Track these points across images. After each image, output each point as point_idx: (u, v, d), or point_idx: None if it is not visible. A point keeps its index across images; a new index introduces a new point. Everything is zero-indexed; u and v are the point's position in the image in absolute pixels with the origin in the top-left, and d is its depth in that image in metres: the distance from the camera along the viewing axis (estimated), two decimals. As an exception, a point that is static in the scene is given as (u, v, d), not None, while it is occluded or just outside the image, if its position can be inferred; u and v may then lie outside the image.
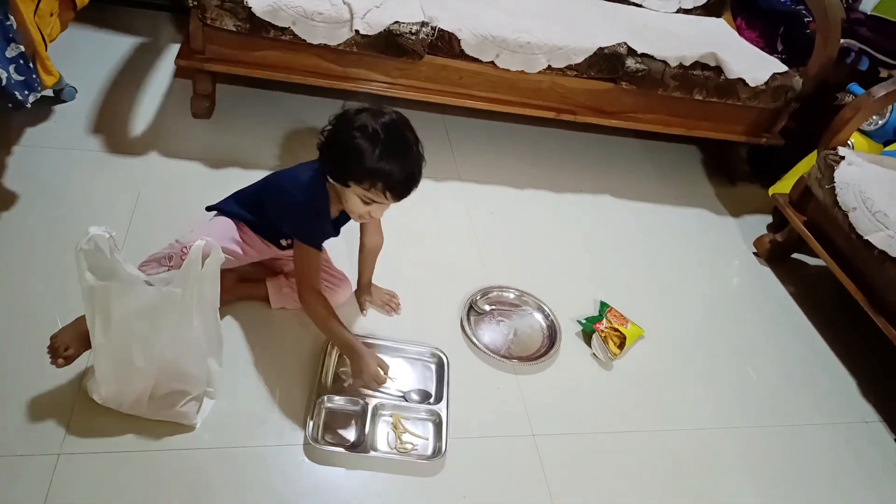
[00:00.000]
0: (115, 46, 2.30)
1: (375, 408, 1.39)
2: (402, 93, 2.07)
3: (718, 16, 2.60)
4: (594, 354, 1.68)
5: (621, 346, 1.66)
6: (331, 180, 1.30)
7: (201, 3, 1.77)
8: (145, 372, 1.19)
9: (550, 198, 2.21)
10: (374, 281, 1.65)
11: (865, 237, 1.73)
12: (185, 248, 1.27)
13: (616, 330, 1.68)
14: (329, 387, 1.41)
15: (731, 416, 1.64)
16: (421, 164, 1.28)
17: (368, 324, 1.60)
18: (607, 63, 2.08)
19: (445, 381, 1.48)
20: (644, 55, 2.09)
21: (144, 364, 1.18)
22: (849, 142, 2.03)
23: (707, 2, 2.58)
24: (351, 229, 1.51)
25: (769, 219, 2.40)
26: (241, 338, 1.48)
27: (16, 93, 1.48)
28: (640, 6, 2.51)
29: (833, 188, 1.85)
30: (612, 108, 2.23)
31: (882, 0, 2.57)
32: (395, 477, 1.30)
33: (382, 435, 1.36)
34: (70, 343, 1.22)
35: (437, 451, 1.34)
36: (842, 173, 1.85)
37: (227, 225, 1.44)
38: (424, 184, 1.32)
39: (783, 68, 2.21)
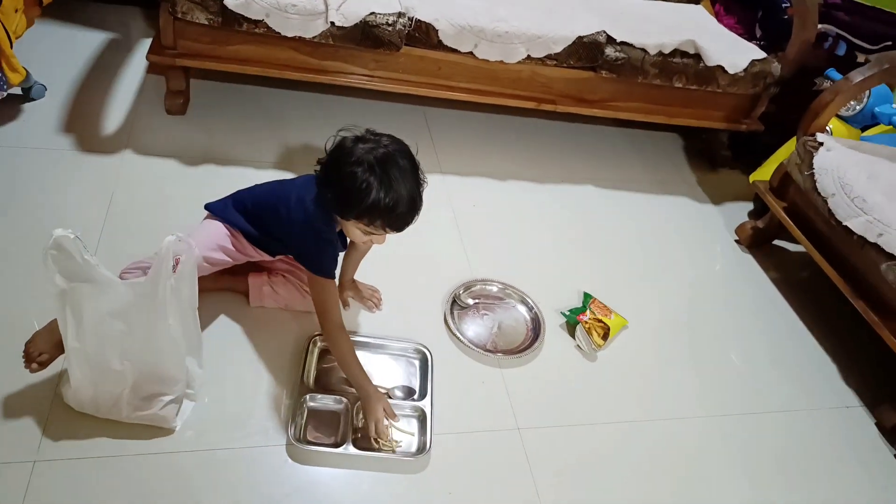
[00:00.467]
0: (85, 42, 2.25)
1: (359, 406, 1.37)
2: (381, 85, 2.04)
3: (697, 2, 2.60)
4: (578, 346, 1.67)
5: (605, 337, 1.66)
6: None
7: (172, -3, 1.73)
8: (122, 374, 1.17)
9: (533, 188, 2.20)
10: (356, 277, 1.63)
11: (844, 223, 1.74)
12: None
13: (600, 321, 1.68)
14: (311, 386, 1.39)
15: (715, 404, 1.64)
16: (421, 193, 1.25)
17: (351, 320, 1.59)
18: (587, 52, 2.07)
19: (430, 377, 1.47)
20: (623, 43, 2.09)
21: (121, 366, 1.16)
22: (827, 127, 2.04)
23: (686, -12, 2.58)
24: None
25: (750, 205, 2.41)
26: (222, 338, 1.46)
27: (-20, 92, 1.45)
28: (618, -7, 2.50)
29: (812, 174, 1.86)
30: (593, 97, 2.22)
31: (859, -16, 2.57)
32: (381, 475, 1.29)
33: (366, 433, 1.34)
34: (44, 348, 1.20)
35: (423, 448, 1.33)
36: (821, 159, 1.86)
37: (219, 231, 1.39)
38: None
39: (762, 54, 2.21)
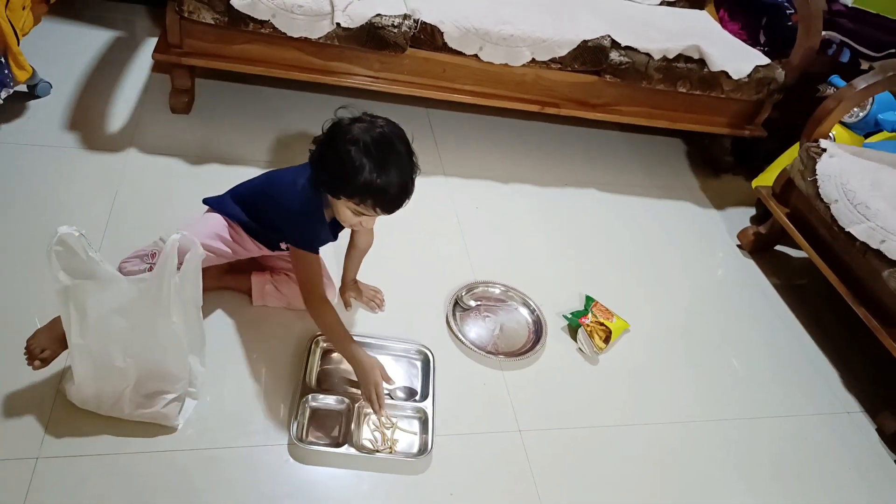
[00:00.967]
0: (91, 40, 2.25)
1: (361, 406, 1.37)
2: (385, 87, 2.05)
3: (701, 8, 2.61)
4: (580, 349, 1.68)
5: (607, 340, 1.66)
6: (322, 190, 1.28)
7: (178, -4, 1.74)
8: (125, 371, 1.17)
9: (535, 192, 2.20)
10: (358, 277, 1.63)
11: (847, 229, 1.74)
12: None
13: (601, 324, 1.68)
14: (313, 385, 1.40)
15: (717, 409, 1.65)
16: (413, 177, 1.25)
17: (353, 321, 1.59)
18: (591, 56, 2.07)
19: (431, 378, 1.47)
20: (628, 48, 2.09)
21: (124, 364, 1.16)
22: (830, 134, 2.04)
23: (690, -6, 2.59)
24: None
25: (753, 211, 2.41)
26: (225, 336, 1.46)
27: (-13, 88, 1.45)
28: (623, -2, 2.50)
29: (815, 180, 1.86)
30: (597, 101, 2.22)
31: (863, -8, 2.58)
32: (382, 475, 1.29)
33: (368, 433, 1.34)
34: (47, 345, 1.20)
35: (424, 448, 1.33)
36: (823, 165, 1.86)
37: (217, 222, 1.40)
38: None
39: (766, 60, 2.22)
